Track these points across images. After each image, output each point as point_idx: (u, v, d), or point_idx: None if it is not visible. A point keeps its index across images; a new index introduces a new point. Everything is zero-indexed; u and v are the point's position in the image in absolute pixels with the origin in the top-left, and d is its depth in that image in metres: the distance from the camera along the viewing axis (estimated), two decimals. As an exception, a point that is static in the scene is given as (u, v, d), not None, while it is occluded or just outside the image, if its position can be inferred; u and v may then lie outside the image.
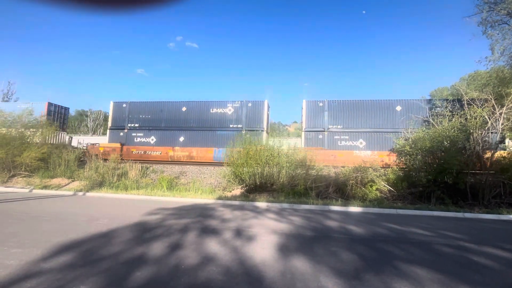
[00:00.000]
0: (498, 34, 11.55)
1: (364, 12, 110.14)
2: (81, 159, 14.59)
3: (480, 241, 4.89)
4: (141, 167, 13.79)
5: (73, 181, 12.86)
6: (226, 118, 16.68)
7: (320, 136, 15.65)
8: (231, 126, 16.55)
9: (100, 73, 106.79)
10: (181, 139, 16.79)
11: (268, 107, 17.03)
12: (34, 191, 11.20)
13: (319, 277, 3.02)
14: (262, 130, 16.07)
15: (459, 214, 7.86)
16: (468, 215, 7.83)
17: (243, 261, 3.49)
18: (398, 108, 14.97)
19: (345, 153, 14.62)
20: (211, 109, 16.88)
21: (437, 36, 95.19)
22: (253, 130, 15.88)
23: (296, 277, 3.03)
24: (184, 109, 17.18)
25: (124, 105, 17.86)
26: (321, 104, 15.98)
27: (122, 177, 12.75)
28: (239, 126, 16.41)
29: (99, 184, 12.00)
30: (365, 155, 13.67)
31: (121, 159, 14.53)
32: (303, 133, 16.05)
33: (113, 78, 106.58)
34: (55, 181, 12.77)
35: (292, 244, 4.34)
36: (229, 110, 16.70)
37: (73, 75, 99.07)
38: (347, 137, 15.44)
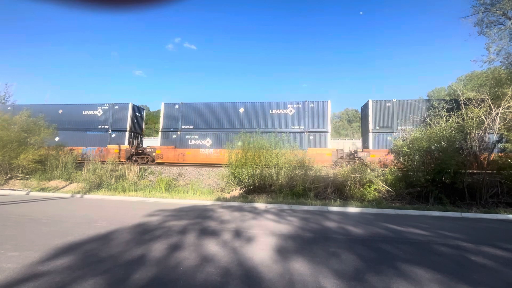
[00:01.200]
0: (494, 34, 11.65)
1: (361, 13, 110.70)
2: (80, 161, 14.54)
3: (478, 241, 4.91)
4: (139, 168, 13.76)
5: (70, 183, 12.79)
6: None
7: (174, 136, 17.20)
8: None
9: (98, 74, 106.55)
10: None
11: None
12: (32, 193, 11.12)
13: (318, 278, 3.03)
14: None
15: (457, 214, 7.89)
16: (466, 214, 7.87)
17: (242, 262, 3.49)
18: (241, 110, 16.96)
19: (193, 151, 16.35)
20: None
21: (434, 36, 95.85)
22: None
23: (295, 278, 3.03)
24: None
25: (177, 106, 17.73)
26: (177, 107, 17.64)
27: (120, 179, 12.70)
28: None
29: (97, 186, 11.94)
30: (209, 153, 15.99)
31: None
32: (160, 133, 17.73)
33: (111, 80, 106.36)
34: (53, 183, 12.70)
35: (291, 245, 4.34)
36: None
37: (71, 76, 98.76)
38: (196, 136, 17.03)
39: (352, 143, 16.77)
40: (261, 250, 4.01)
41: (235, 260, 3.57)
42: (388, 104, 15.66)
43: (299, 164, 11.16)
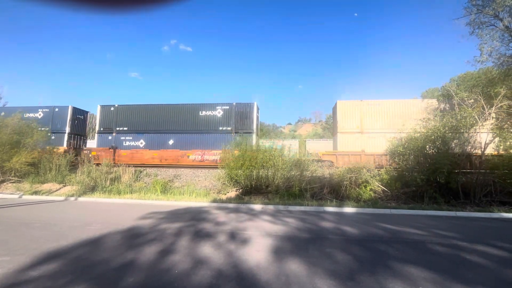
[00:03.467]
0: (486, 35, 11.80)
1: (356, 14, 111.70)
2: (73, 163, 14.35)
3: (472, 239, 4.94)
4: (135, 170, 13.63)
5: (64, 186, 12.62)
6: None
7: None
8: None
9: (94, 76, 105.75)
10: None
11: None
12: (24, 197, 10.95)
13: (314, 279, 3.01)
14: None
15: (452, 213, 7.95)
16: (460, 213, 7.93)
17: (238, 264, 3.46)
18: (173, 111, 17.69)
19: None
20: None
21: (427, 37, 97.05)
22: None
23: (291, 279, 3.01)
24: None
25: (112, 109, 18.01)
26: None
27: (115, 181, 12.57)
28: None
29: (92, 189, 11.80)
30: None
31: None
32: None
33: (108, 81, 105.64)
34: (46, 186, 12.52)
35: (287, 246, 4.32)
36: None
37: (66, 78, 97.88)
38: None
39: (289, 144, 17.74)
40: (257, 252, 3.98)
41: (230, 262, 3.54)
42: (112, 108, 17.91)
43: (295, 165, 11.16)
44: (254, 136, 16.17)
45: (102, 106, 18.20)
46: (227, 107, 17.01)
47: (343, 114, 16.41)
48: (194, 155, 16.00)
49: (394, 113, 15.58)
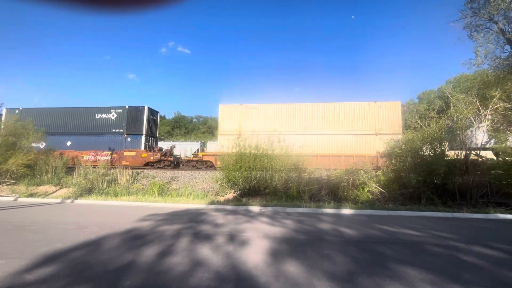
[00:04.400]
0: (482, 38, 11.93)
1: (352, 17, 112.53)
2: (69, 165, 14.25)
3: (469, 240, 4.97)
4: (132, 172, 13.56)
5: (61, 188, 12.52)
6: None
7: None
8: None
9: (91, 77, 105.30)
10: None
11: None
12: (20, 199, 10.84)
13: (313, 281, 3.01)
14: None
15: (448, 214, 8.00)
16: (457, 215, 7.98)
17: (236, 266, 3.45)
18: (71, 114, 18.81)
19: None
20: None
21: (424, 39, 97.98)
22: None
23: (289, 281, 3.01)
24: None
25: (17, 111, 18.75)
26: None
27: (112, 183, 12.50)
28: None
29: (88, 191, 11.71)
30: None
31: None
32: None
33: (105, 83, 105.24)
34: (42, 188, 12.41)
35: (285, 248, 4.32)
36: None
37: (64, 79, 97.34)
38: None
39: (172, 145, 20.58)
40: (255, 254, 3.97)
41: (228, 264, 3.53)
42: (16, 111, 18.63)
43: (293, 167, 11.16)
44: (143, 138, 18.03)
45: (8, 109, 18.83)
46: (121, 110, 18.35)
47: (224, 117, 17.49)
48: (88, 156, 16.82)
49: (270, 116, 17.04)
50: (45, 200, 10.78)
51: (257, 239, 4.81)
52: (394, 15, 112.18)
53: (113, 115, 18.30)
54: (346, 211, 8.43)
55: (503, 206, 8.56)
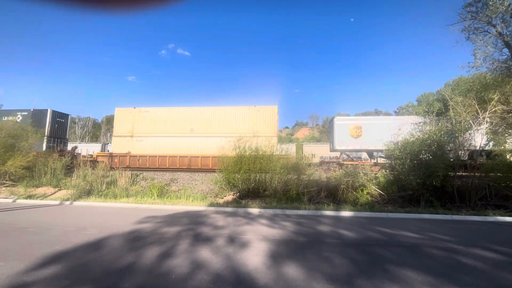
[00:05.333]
0: (480, 41, 12.02)
1: (352, 20, 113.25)
2: (69, 167, 14.21)
3: (468, 243, 4.98)
4: (131, 174, 13.54)
5: (59, 189, 12.48)
6: None
7: None
8: None
9: (90, 79, 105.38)
10: None
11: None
12: (18, 201, 10.80)
13: (312, 283, 3.01)
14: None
15: (448, 217, 8.01)
16: (456, 217, 7.99)
17: (236, 268, 3.45)
18: (5, 118, 18.63)
19: None
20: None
21: (423, 41, 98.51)
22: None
23: (288, 283, 3.01)
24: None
25: None
26: None
27: (111, 185, 12.47)
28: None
29: (87, 193, 11.68)
30: None
31: None
32: None
33: (104, 85, 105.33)
34: (41, 190, 12.36)
35: (285, 250, 4.32)
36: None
37: (62, 81, 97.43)
38: None
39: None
40: (254, 256, 3.97)
41: (228, 266, 3.53)
42: None
43: (292, 169, 11.16)
44: (45, 139, 18.67)
45: None
46: (26, 113, 18.92)
47: (119, 119, 18.37)
48: None
49: (161, 119, 17.94)
50: (44, 201, 10.74)
51: (256, 241, 4.81)
52: (394, 16, 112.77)
53: (18, 118, 18.92)
54: (346, 213, 8.43)
55: (502, 209, 8.59)
